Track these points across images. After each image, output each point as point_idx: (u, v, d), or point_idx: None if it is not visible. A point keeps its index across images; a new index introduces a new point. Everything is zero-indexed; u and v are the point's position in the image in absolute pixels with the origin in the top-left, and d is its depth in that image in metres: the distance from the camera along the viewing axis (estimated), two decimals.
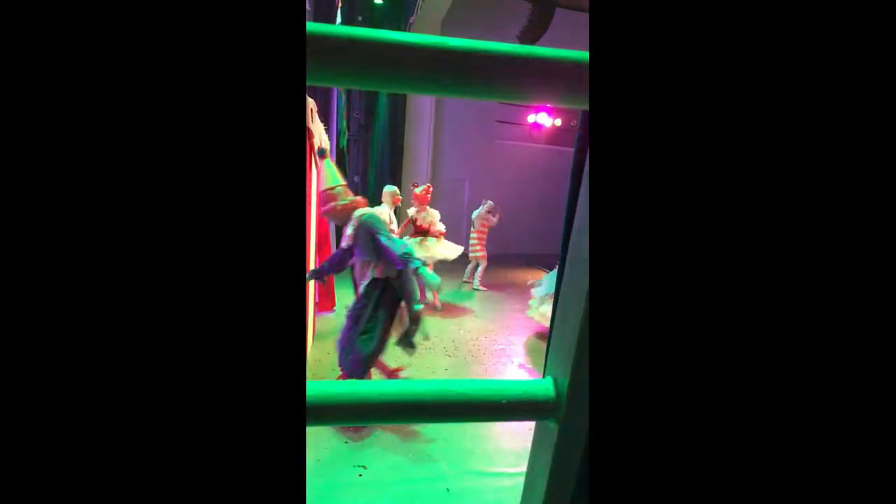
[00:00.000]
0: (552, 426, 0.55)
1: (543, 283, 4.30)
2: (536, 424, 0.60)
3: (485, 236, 6.37)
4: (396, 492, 2.06)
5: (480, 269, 6.53)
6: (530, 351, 4.05)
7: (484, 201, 6.43)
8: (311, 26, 0.40)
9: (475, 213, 6.38)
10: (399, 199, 4.25)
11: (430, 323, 4.45)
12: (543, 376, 0.58)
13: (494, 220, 6.41)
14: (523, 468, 0.65)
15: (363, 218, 2.30)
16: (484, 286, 6.45)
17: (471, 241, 6.41)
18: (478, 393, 0.53)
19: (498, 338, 4.31)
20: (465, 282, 6.75)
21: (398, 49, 0.41)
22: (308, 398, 0.47)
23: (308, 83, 0.41)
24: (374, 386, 0.51)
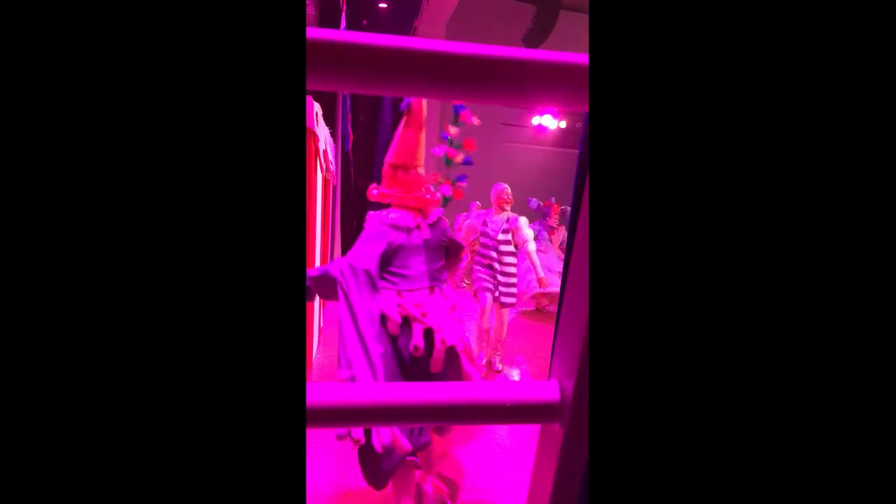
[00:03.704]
0: (557, 429, 0.54)
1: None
2: (542, 427, 0.60)
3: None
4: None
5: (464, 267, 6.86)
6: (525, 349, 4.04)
7: (475, 204, 6.69)
8: (315, 32, 0.40)
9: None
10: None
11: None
12: (548, 378, 0.57)
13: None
14: (529, 471, 0.64)
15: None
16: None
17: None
18: (482, 395, 0.53)
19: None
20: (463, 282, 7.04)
21: (400, 54, 0.41)
22: (309, 401, 0.47)
23: (311, 88, 0.41)
24: (376, 388, 0.51)
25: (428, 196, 1.71)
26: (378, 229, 1.65)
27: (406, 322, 1.60)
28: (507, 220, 3.43)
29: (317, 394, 0.48)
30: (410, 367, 1.62)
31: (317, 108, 3.16)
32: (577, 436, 0.52)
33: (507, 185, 3.50)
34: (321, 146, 3.41)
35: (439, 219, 1.73)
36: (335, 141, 5.29)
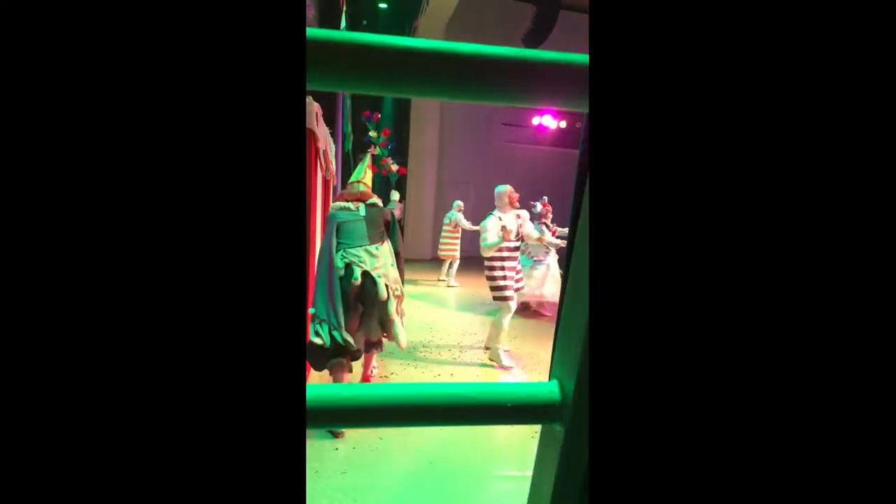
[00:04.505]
0: (558, 429, 0.54)
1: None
2: (542, 427, 0.60)
3: (457, 236, 6.97)
4: (401, 495, 2.06)
5: (454, 267, 7.08)
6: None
7: (454, 203, 6.96)
8: (315, 32, 0.40)
9: (448, 216, 7.01)
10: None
11: (415, 323, 4.64)
12: (549, 379, 0.57)
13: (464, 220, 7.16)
14: (529, 471, 0.64)
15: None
16: (458, 282, 7.09)
17: (442, 242, 6.95)
18: (481, 396, 0.53)
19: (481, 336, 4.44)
20: (440, 280, 7.19)
21: (400, 54, 0.41)
22: (308, 401, 0.47)
23: (311, 88, 0.41)
24: (375, 389, 0.51)
25: (363, 193, 2.86)
26: (332, 216, 2.74)
27: (348, 267, 2.62)
28: (518, 216, 3.87)
29: (317, 394, 0.48)
30: (354, 296, 2.65)
31: (317, 108, 3.18)
32: (577, 436, 0.52)
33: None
34: (321, 146, 3.42)
35: (374, 203, 2.82)
36: (335, 141, 5.30)
